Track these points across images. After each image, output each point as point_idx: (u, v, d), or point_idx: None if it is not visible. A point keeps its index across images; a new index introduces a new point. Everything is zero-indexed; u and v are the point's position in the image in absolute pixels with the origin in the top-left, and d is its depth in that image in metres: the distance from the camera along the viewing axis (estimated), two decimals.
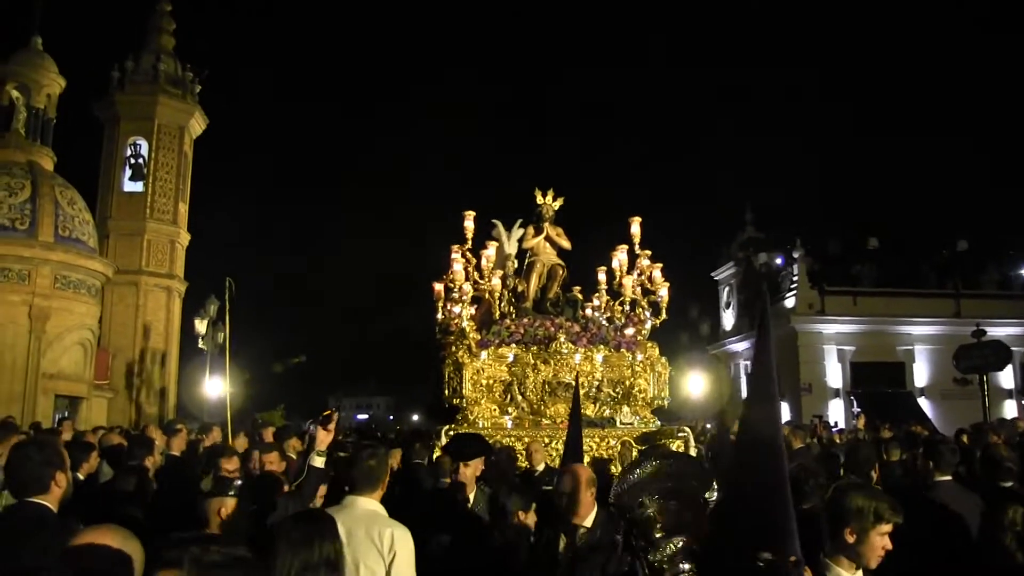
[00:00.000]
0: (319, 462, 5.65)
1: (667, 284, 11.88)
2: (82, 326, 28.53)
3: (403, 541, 4.78)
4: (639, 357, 11.61)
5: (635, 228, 12.19)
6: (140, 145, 33.74)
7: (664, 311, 11.95)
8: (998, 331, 32.34)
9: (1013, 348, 32.92)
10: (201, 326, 28.99)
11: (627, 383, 11.56)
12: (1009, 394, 33.38)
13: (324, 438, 5.71)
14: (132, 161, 33.66)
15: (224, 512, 5.00)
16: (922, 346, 33.19)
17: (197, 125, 35.24)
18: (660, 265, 11.94)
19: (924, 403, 32.30)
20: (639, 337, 11.93)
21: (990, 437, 13.10)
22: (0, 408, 22.64)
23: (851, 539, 3.73)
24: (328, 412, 5.69)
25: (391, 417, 75.70)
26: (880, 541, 3.73)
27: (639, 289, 12.10)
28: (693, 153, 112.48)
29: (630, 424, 11.21)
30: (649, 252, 12.10)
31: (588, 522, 5.41)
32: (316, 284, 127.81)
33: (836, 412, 31.82)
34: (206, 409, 27.95)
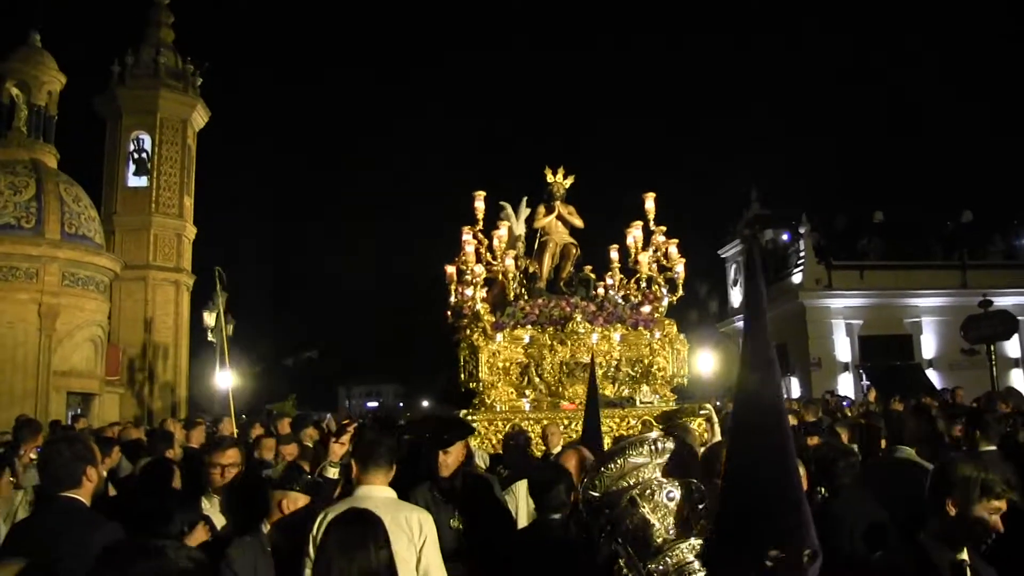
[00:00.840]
0: (332, 473, 5.41)
1: (683, 260, 11.54)
2: (92, 322, 28.32)
3: (429, 524, 4.65)
4: (657, 335, 11.28)
5: (649, 204, 11.83)
6: (143, 140, 33.59)
7: (681, 287, 11.61)
8: (1005, 300, 31.93)
9: (1020, 317, 32.62)
10: (210, 319, 28.92)
11: (646, 362, 11.25)
12: (1016, 363, 33.00)
13: (338, 451, 5.50)
14: (135, 156, 33.53)
15: (287, 506, 4.78)
16: (929, 318, 32.84)
17: (199, 118, 35.07)
18: (676, 241, 11.59)
19: (932, 374, 31.83)
20: (656, 315, 11.59)
21: (999, 406, 12.97)
22: (14, 406, 22.65)
23: (952, 512, 3.35)
24: (345, 422, 5.43)
25: (400, 404, 75.33)
26: (988, 518, 3.32)
27: (655, 266, 11.74)
28: (698, 131, 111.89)
29: (650, 403, 10.89)
30: (664, 228, 11.74)
31: None
32: (324, 272, 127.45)
33: (846, 386, 31.43)
34: (217, 401, 27.87)
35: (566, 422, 10.15)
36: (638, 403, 10.87)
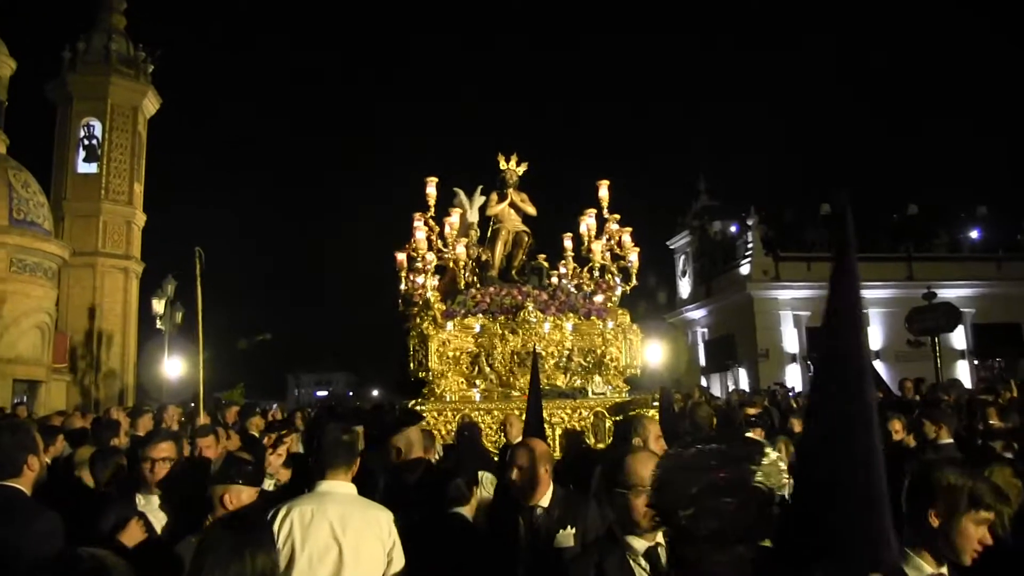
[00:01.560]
0: (269, 485, 5.15)
1: (637, 249, 11.25)
2: (39, 309, 27.85)
3: (394, 525, 4.42)
4: (610, 325, 10.98)
5: (603, 192, 11.51)
6: (93, 126, 33.02)
7: (634, 277, 11.32)
8: (949, 292, 32.27)
9: (964, 309, 33.02)
10: (159, 306, 28.68)
11: (598, 352, 10.94)
12: (961, 355, 33.22)
13: (275, 462, 5.18)
14: (86, 142, 32.94)
15: (230, 501, 4.38)
16: (876, 309, 32.85)
17: (151, 105, 34.56)
18: (630, 229, 11.28)
19: (879, 365, 31.93)
20: (609, 304, 11.30)
21: (943, 398, 12.91)
22: None
23: (935, 523, 3.00)
24: (283, 432, 5.05)
25: (350, 393, 74.60)
26: (975, 531, 2.97)
27: (608, 254, 11.44)
28: (648, 123, 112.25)
29: (602, 394, 10.60)
30: (618, 216, 11.45)
31: (545, 501, 4.90)
32: (273, 262, 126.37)
33: (793, 377, 31.51)
34: (165, 389, 27.52)
35: (518, 412, 9.84)
36: (590, 394, 10.57)
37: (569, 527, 4.82)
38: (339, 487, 4.44)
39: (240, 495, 4.42)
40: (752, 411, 11.50)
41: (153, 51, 34.19)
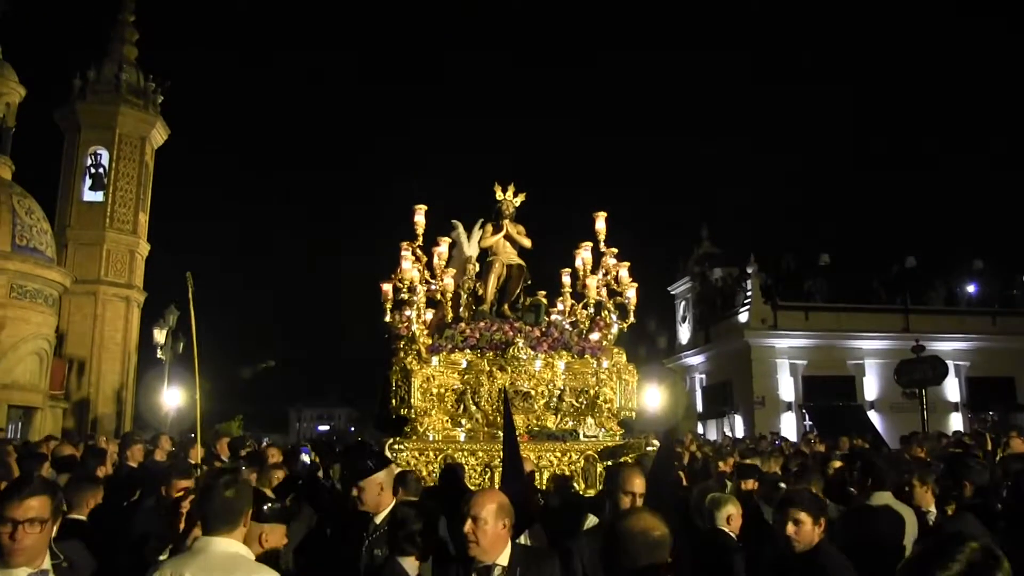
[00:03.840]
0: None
1: (635, 285, 10.40)
2: (38, 335, 27.05)
3: None
4: (604, 364, 10.10)
5: (600, 224, 10.63)
6: (100, 155, 32.59)
7: (632, 314, 10.45)
8: (945, 345, 31.75)
9: (959, 362, 32.48)
10: (160, 336, 28.24)
11: (591, 392, 10.05)
12: (955, 407, 32.51)
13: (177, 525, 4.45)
14: (92, 171, 32.51)
15: (266, 541, 4.36)
16: (872, 360, 32.30)
17: (159, 135, 34.10)
18: (627, 264, 10.42)
19: (874, 416, 31.31)
20: (605, 342, 10.43)
21: (913, 450, 12.43)
22: None
23: None
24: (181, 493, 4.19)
25: (352, 428, 73.41)
26: None
27: (604, 290, 10.58)
28: (651, 165, 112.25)
29: (594, 437, 9.72)
30: (615, 250, 10.58)
31: (503, 559, 4.16)
32: (276, 296, 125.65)
33: (788, 425, 30.82)
34: (164, 419, 26.86)
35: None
36: (581, 436, 9.70)
37: None
38: (218, 544, 3.73)
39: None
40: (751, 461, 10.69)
41: (163, 82, 33.84)
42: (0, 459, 4.65)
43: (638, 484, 5.44)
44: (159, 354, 28.42)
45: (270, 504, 4.58)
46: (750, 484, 7.87)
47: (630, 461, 8.45)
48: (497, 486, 7.50)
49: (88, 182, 32.37)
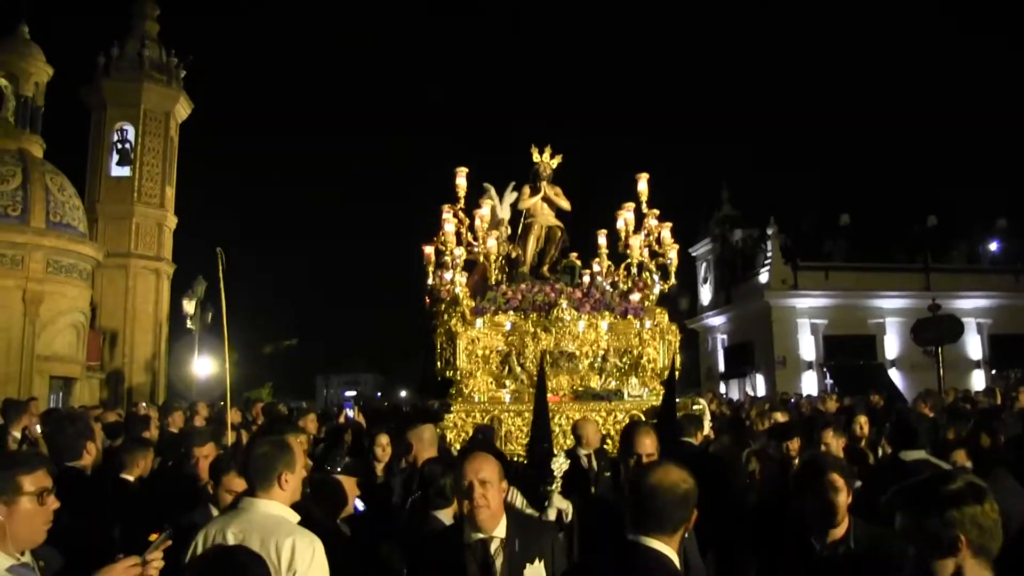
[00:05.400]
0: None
1: (676, 246, 10.24)
2: (74, 309, 27.42)
3: (305, 554, 3.53)
4: (647, 324, 9.96)
5: (642, 185, 10.45)
6: (127, 130, 32.36)
7: (673, 275, 10.29)
8: (966, 303, 31.59)
9: (981, 320, 32.26)
10: (189, 306, 28.42)
11: (635, 352, 9.93)
12: (977, 364, 32.31)
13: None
14: (119, 146, 32.27)
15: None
16: (893, 319, 32.08)
17: (182, 110, 33.88)
18: (669, 225, 10.25)
19: (895, 374, 31.18)
20: (647, 303, 10.28)
21: (919, 406, 12.48)
22: None
23: None
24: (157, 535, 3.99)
25: (379, 394, 73.37)
26: None
27: (646, 251, 10.41)
28: (673, 130, 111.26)
29: (639, 396, 9.60)
30: (657, 211, 10.40)
31: (500, 531, 3.77)
32: (303, 263, 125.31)
33: (809, 384, 30.71)
34: (195, 387, 27.09)
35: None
36: (626, 396, 9.58)
37: (537, 561, 3.76)
38: (261, 505, 3.75)
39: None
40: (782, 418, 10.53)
41: (185, 57, 33.60)
42: (85, 424, 5.63)
43: (647, 445, 5.04)
44: (188, 324, 28.53)
45: (343, 460, 5.07)
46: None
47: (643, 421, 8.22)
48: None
49: (115, 157, 32.21)
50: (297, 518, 3.78)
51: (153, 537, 3.61)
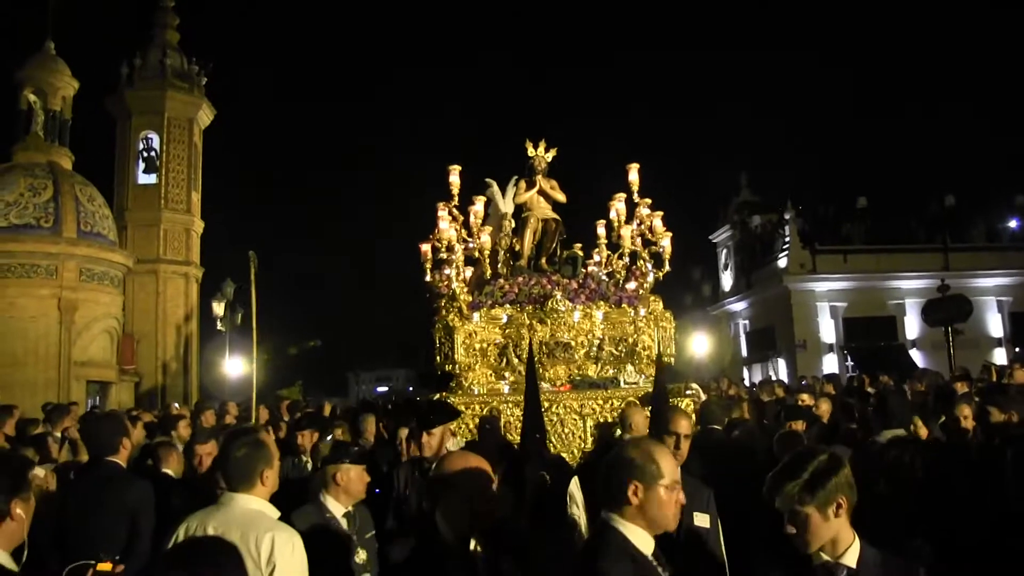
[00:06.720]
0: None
1: (669, 234, 10.24)
2: (107, 315, 28.39)
3: (285, 548, 3.58)
4: (642, 312, 10.01)
5: (633, 175, 10.48)
6: (151, 139, 32.92)
7: (667, 263, 10.31)
8: (987, 282, 31.42)
9: (1001, 298, 32.01)
10: (219, 308, 28.77)
11: (630, 340, 9.97)
12: (999, 342, 32.03)
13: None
14: (145, 154, 32.90)
15: (342, 478, 4.98)
16: (912, 300, 31.83)
17: (205, 116, 34.41)
18: (661, 214, 10.25)
19: (916, 355, 31.03)
20: (641, 291, 10.32)
21: (914, 385, 12.85)
22: (37, 395, 22.51)
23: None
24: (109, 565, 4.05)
25: (410, 388, 73.49)
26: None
27: (639, 240, 10.45)
28: (689, 118, 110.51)
29: (635, 383, 9.65)
30: (649, 200, 10.42)
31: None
32: (331, 261, 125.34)
33: (831, 367, 30.53)
34: (227, 388, 27.37)
35: (546, 404, 8.93)
36: (622, 383, 9.63)
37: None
38: (241, 500, 3.80)
39: (349, 472, 4.98)
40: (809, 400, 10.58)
41: (206, 65, 34.02)
42: (120, 422, 6.13)
43: (684, 426, 5.35)
44: (219, 326, 28.81)
45: (353, 447, 5.53)
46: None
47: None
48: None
49: (142, 165, 32.70)
50: (277, 513, 3.87)
51: (102, 567, 3.75)
